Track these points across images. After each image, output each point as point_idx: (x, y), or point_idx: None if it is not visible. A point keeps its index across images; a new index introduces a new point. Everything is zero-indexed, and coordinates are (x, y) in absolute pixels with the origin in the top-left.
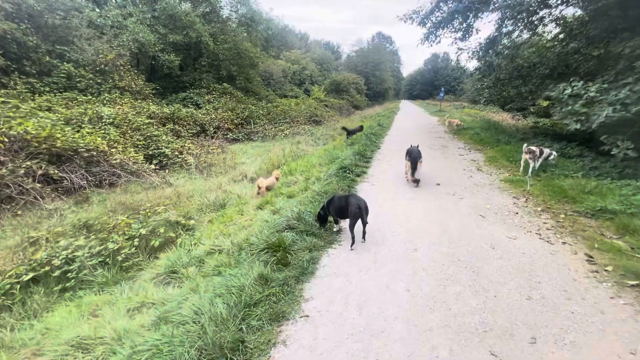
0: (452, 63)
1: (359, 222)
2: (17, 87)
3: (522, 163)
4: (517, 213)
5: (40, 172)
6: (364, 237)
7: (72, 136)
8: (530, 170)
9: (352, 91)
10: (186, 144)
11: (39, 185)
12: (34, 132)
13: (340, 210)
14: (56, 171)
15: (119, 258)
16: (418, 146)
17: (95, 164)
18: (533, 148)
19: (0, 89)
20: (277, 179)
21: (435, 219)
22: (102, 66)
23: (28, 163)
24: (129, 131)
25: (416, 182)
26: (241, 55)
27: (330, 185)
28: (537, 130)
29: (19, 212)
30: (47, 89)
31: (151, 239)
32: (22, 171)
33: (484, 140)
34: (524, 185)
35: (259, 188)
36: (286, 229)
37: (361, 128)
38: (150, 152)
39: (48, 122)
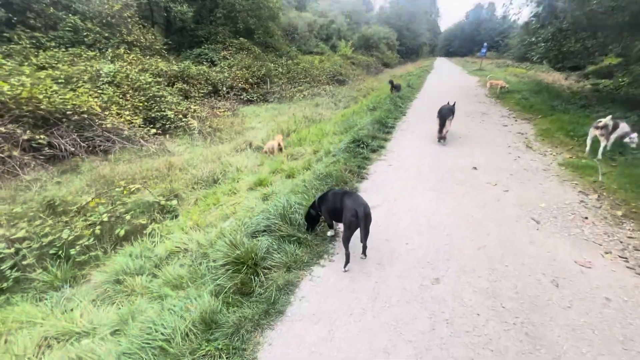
0: (498, 14)
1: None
2: (22, 42)
3: (588, 141)
4: (586, 218)
5: (24, 137)
6: (364, 252)
7: (58, 97)
8: (600, 151)
9: (383, 47)
10: (192, 106)
11: (17, 153)
12: (9, 93)
13: (335, 212)
14: (43, 136)
15: (73, 251)
16: (454, 104)
17: (88, 129)
18: (606, 121)
19: (5, 44)
20: (279, 145)
21: (468, 225)
22: (109, 18)
23: (3, 129)
24: (130, 91)
25: (442, 139)
26: (260, 6)
27: (335, 165)
28: (600, 94)
29: None
30: (53, 43)
31: (117, 225)
32: None
33: (534, 107)
34: (594, 173)
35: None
36: (264, 231)
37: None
38: (153, 115)
39: (27, 81)
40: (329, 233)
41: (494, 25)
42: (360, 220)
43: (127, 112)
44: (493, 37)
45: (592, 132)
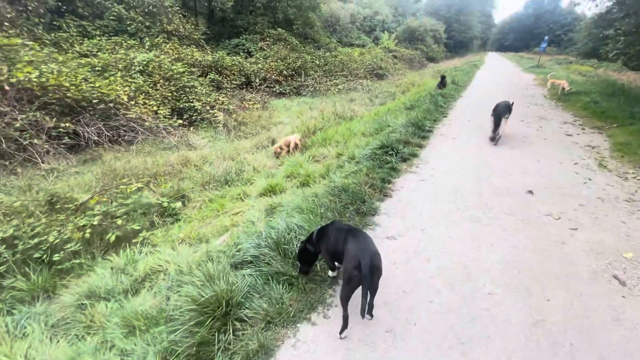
0: (564, 4)
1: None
2: (69, 30)
3: None
4: None
5: (50, 125)
6: (369, 312)
7: (86, 85)
8: None
9: (429, 40)
10: (220, 98)
11: (38, 141)
12: (36, 80)
13: (336, 254)
14: (68, 124)
15: (57, 257)
16: (512, 104)
17: (113, 118)
18: None
19: (55, 32)
20: (296, 145)
21: (519, 282)
22: (151, 7)
23: (31, 114)
24: (160, 80)
25: (493, 139)
26: None
27: (356, 176)
28: None
29: (19, 170)
30: (98, 32)
31: (110, 229)
32: (17, 124)
33: (606, 114)
34: None
35: (280, 149)
36: (251, 262)
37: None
38: (181, 105)
39: (54, 68)
40: (330, 274)
41: (556, 17)
42: (365, 277)
43: (153, 102)
44: (555, 30)
45: None
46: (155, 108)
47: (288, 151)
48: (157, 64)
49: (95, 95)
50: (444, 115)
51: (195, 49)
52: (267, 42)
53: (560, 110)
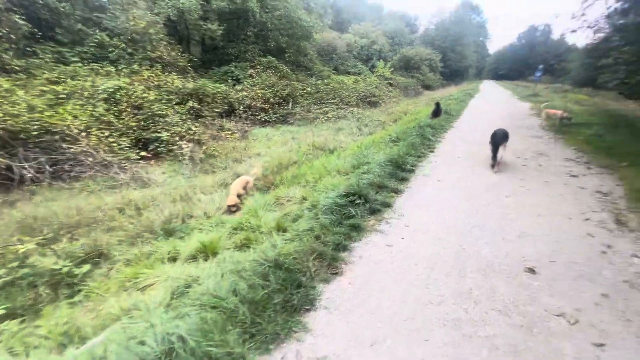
0: (555, 36)
1: None
2: (43, 57)
3: None
4: None
5: None
6: None
7: (27, 115)
8: None
9: (424, 69)
10: (193, 127)
11: None
12: None
13: None
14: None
15: None
16: (508, 133)
17: (58, 151)
18: None
19: (26, 59)
20: (246, 187)
21: None
22: (134, 35)
23: None
24: (128, 109)
25: (494, 166)
26: (293, 25)
27: (303, 240)
28: None
29: None
30: (77, 59)
31: None
32: None
33: (614, 150)
34: None
35: (233, 203)
36: None
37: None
38: (147, 136)
39: None
40: None
41: (549, 48)
42: None
43: (109, 133)
44: (548, 60)
45: None
46: (112, 140)
47: (247, 192)
48: (126, 91)
49: (36, 127)
50: (431, 150)
51: (176, 76)
52: (257, 70)
53: (561, 144)
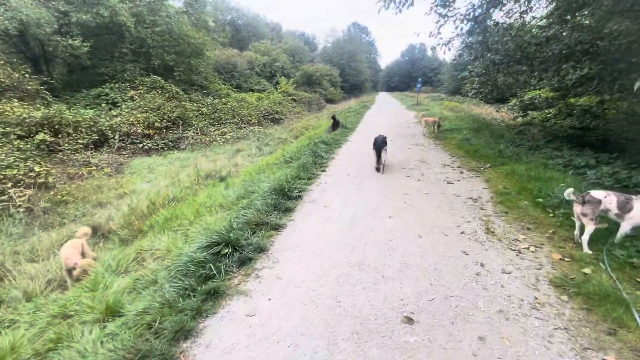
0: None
1: None
2: None
3: (575, 220)
4: None
5: None
6: None
7: None
8: (585, 240)
9: (325, 84)
10: (37, 167)
11: None
12: None
13: None
14: None
15: None
16: (386, 138)
17: None
18: (595, 195)
19: None
20: (82, 249)
21: None
22: None
23: None
24: None
25: (379, 170)
26: (179, 42)
27: (124, 338)
28: (545, 130)
29: None
30: None
31: None
32: None
33: (479, 152)
34: (619, 295)
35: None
36: None
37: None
38: None
39: None
40: None
41: (426, 63)
42: None
43: None
44: (427, 73)
45: (576, 210)
46: None
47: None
48: None
49: None
50: (323, 169)
51: (17, 103)
52: (139, 91)
53: (440, 150)
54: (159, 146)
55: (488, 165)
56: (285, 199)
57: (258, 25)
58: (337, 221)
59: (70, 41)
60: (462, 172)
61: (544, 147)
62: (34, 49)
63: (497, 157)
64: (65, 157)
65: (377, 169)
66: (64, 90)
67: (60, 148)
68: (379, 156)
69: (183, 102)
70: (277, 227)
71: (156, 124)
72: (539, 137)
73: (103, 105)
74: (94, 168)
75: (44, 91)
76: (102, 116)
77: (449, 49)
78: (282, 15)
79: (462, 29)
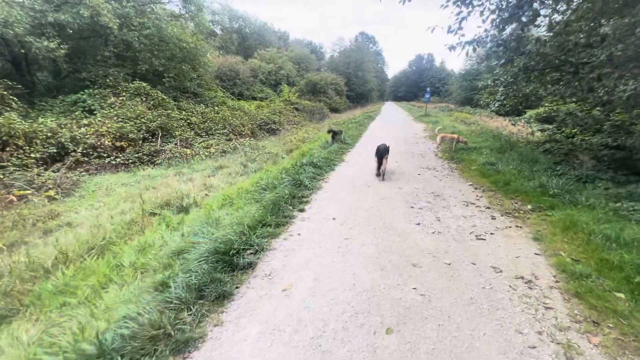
0: (437, 63)
1: None
2: None
3: None
4: None
5: None
6: None
7: None
8: None
9: (331, 92)
10: None
11: None
12: None
13: None
14: None
15: None
16: (389, 147)
17: None
18: None
19: None
20: None
21: None
22: None
23: None
24: None
25: (379, 175)
26: (170, 46)
27: None
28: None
29: None
30: None
31: None
32: None
33: (512, 185)
34: None
35: None
36: None
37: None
38: None
39: None
40: None
41: (433, 73)
42: None
43: None
44: (434, 83)
45: None
46: None
47: None
48: None
49: None
50: (301, 209)
51: None
52: (121, 98)
53: (457, 178)
54: (130, 161)
55: (529, 207)
56: (226, 270)
57: (265, 34)
58: (293, 343)
59: (45, 43)
60: (493, 218)
61: (593, 176)
62: (15, 52)
63: (539, 195)
64: (2, 176)
65: (377, 175)
66: (45, 96)
67: (1, 164)
68: (380, 163)
69: (168, 111)
70: (230, 296)
71: (131, 135)
72: (587, 162)
73: (77, 113)
74: (29, 191)
75: (10, 97)
76: (67, 125)
77: (474, 50)
78: (289, 25)
79: (493, 22)
